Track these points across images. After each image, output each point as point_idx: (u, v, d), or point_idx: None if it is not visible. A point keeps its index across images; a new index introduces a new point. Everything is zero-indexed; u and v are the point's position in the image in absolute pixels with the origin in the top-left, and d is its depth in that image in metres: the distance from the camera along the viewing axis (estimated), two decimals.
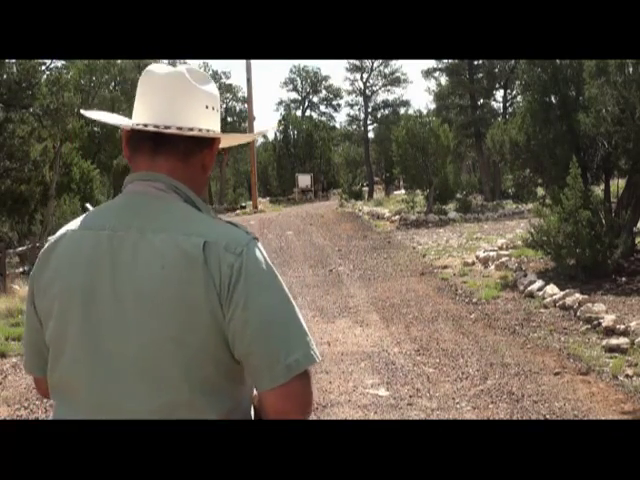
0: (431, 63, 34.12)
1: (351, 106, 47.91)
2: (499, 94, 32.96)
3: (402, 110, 42.45)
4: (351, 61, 43.73)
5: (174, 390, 1.50)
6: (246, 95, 40.47)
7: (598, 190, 12.39)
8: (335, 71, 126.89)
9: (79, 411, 1.59)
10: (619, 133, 10.61)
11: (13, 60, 17.29)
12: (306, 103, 54.34)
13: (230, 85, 50.40)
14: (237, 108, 50.22)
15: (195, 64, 53.05)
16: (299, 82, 54.12)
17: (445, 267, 13.69)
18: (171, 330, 1.48)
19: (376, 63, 44.27)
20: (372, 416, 5.75)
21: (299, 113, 52.88)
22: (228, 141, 1.87)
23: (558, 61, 11.94)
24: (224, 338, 1.50)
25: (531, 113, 12.55)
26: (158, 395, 1.51)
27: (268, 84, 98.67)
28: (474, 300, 10.42)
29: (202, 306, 1.48)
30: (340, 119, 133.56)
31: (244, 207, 38.00)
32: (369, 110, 45.08)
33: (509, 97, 32.07)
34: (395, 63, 44.69)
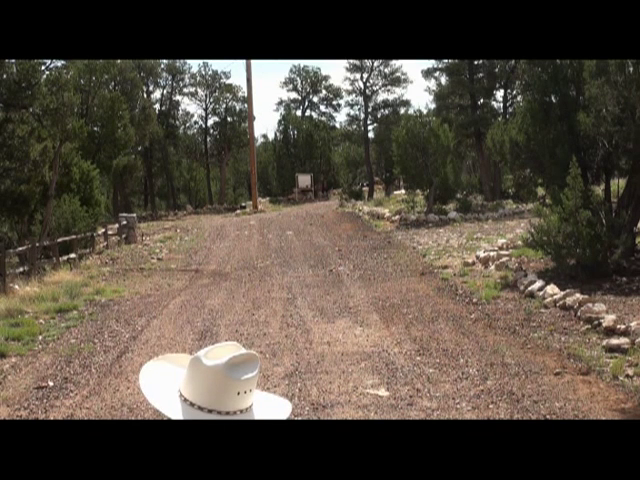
0: (431, 63, 34.11)
1: (351, 106, 47.66)
2: (499, 94, 32.94)
3: (402, 110, 42.37)
4: (351, 61, 43.67)
5: None
6: (246, 95, 40.46)
7: (598, 190, 12.39)
8: (335, 71, 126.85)
9: None
10: (619, 133, 10.60)
11: (13, 60, 17.27)
12: (306, 103, 54.25)
13: (230, 85, 50.41)
14: (237, 108, 50.19)
15: (195, 64, 53.13)
16: (299, 82, 54.05)
17: (445, 267, 13.68)
18: None
19: (376, 63, 44.17)
20: (372, 416, 5.74)
21: (299, 113, 52.79)
22: None
23: (558, 61, 11.93)
24: None
25: (531, 113, 12.53)
26: None
27: (268, 84, 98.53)
28: (474, 300, 10.41)
29: None
30: (340, 119, 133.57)
31: (244, 207, 38.00)
32: (369, 110, 44.99)
33: (509, 97, 32.03)
34: (395, 63, 44.61)
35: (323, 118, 53.20)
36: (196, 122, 51.36)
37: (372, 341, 8.29)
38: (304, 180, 42.78)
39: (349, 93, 46.84)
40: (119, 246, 21.85)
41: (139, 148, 43.35)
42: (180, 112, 50.78)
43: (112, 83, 37.77)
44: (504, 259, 12.84)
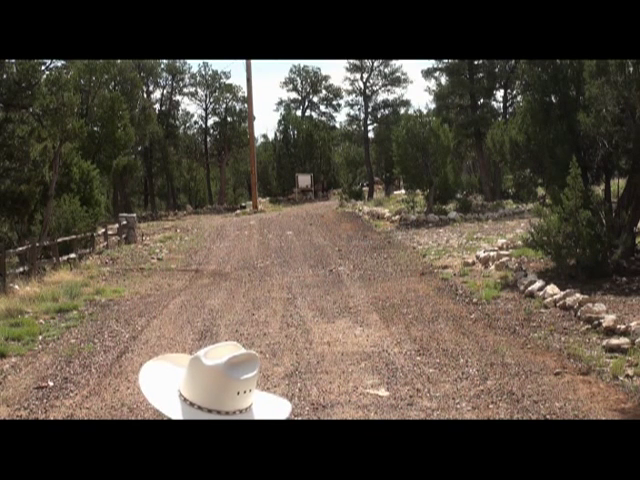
0: (431, 63, 34.08)
1: (351, 106, 47.55)
2: (499, 94, 32.92)
3: (402, 110, 42.31)
4: (351, 61, 43.64)
5: None
6: (246, 95, 40.45)
7: (598, 190, 12.39)
8: (335, 71, 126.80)
9: None
10: (619, 133, 10.60)
11: (13, 60, 17.27)
12: (306, 103, 54.19)
13: (230, 85, 50.39)
14: (237, 108, 50.19)
15: (195, 64, 53.12)
16: (299, 82, 54.02)
17: (445, 267, 13.68)
18: None
19: (376, 63, 44.12)
20: (372, 416, 5.74)
21: (299, 113, 52.75)
22: None
23: (558, 61, 11.93)
24: None
25: (531, 113, 12.53)
26: None
27: (268, 84, 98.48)
28: (474, 300, 10.41)
29: None
30: (340, 119, 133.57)
31: (244, 207, 38.00)
32: (369, 110, 44.95)
33: (509, 97, 32.02)
34: (395, 63, 44.56)
35: (323, 118, 53.18)
36: (196, 122, 51.40)
37: (372, 341, 8.29)
38: (304, 180, 42.77)
39: (349, 93, 46.83)
40: (119, 246, 21.85)
41: (139, 148, 43.34)
42: (180, 112, 50.82)
43: (112, 83, 37.75)
44: (504, 259, 12.84)
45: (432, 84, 35.13)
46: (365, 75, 44.66)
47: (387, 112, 44.69)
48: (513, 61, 27.64)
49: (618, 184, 12.40)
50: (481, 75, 32.22)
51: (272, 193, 45.10)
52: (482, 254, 13.78)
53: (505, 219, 22.69)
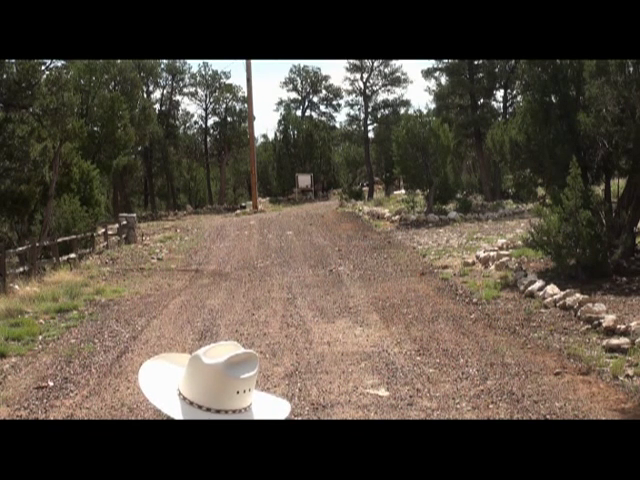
0: (431, 63, 34.07)
1: (351, 106, 47.54)
2: (499, 94, 32.90)
3: (402, 110, 42.28)
4: (351, 61, 43.63)
5: None
6: (246, 95, 40.45)
7: (598, 190, 12.39)
8: (335, 71, 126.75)
9: None
10: (619, 133, 10.60)
11: (13, 60, 17.27)
12: (306, 103, 54.19)
13: (230, 85, 50.39)
14: (237, 108, 50.18)
15: (195, 64, 53.12)
16: (299, 82, 54.02)
17: (445, 267, 13.68)
18: None
19: (376, 63, 44.11)
20: (372, 416, 5.74)
21: (299, 113, 52.75)
22: None
23: (558, 61, 11.93)
24: None
25: (531, 113, 12.53)
26: None
27: (268, 84, 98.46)
28: (474, 300, 10.41)
29: None
30: (340, 119, 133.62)
31: (244, 207, 38.00)
32: (369, 110, 44.91)
33: (509, 97, 32.00)
34: (395, 63, 44.54)
35: (323, 118, 53.18)
36: (196, 122, 51.39)
37: (372, 341, 8.29)
38: (304, 180, 42.76)
39: (349, 93, 46.79)
40: (119, 246, 21.85)
41: (139, 148, 43.33)
42: (180, 112, 50.81)
43: (112, 83, 37.74)
44: (504, 259, 12.84)
45: (432, 84, 35.11)
46: (365, 75, 44.65)
47: (387, 112, 44.67)
48: (513, 61, 27.63)
49: (618, 184, 12.40)
50: (481, 75, 32.20)
51: (272, 193, 45.09)
52: (482, 254, 13.78)
53: (505, 219, 22.69)
